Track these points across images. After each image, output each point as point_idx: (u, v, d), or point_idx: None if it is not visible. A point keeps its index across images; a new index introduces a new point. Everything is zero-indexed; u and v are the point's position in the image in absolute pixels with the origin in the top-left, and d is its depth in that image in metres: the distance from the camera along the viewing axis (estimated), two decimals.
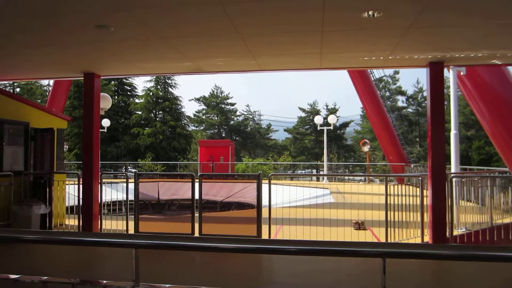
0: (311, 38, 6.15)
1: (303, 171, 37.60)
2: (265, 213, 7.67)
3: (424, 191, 7.79)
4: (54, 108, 17.74)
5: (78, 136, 33.18)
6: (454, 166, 10.02)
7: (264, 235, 7.57)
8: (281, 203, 11.44)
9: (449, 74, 10.51)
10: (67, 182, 9.96)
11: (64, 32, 5.90)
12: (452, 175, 8.15)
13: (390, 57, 7.20)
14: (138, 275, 2.07)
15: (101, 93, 9.64)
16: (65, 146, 20.57)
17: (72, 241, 2.24)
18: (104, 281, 2.23)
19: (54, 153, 9.46)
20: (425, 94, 39.40)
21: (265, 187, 7.71)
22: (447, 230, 7.42)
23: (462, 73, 11.10)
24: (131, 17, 5.21)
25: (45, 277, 2.25)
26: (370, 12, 4.94)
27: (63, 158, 11.05)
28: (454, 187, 7.87)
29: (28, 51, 7.06)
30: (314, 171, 38.74)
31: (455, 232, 7.85)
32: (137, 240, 2.09)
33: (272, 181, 7.90)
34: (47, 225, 8.71)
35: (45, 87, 41.25)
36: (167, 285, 2.17)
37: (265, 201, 7.80)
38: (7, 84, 36.09)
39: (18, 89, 38.70)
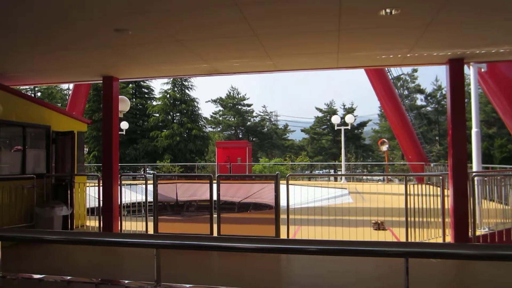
0: (327, 38, 6.11)
1: (321, 171, 37.41)
2: (283, 213, 7.65)
3: (445, 190, 7.67)
4: (74, 111, 18.03)
5: (97, 138, 33.63)
6: (475, 164, 9.84)
7: (283, 236, 7.56)
8: (299, 203, 11.41)
9: (470, 71, 10.32)
10: (87, 184, 10.10)
11: (83, 36, 5.99)
12: (474, 173, 8.00)
13: (408, 55, 7.11)
14: (160, 275, 2.08)
15: (119, 96, 9.75)
16: (85, 149, 20.88)
17: (95, 241, 2.27)
18: (126, 281, 2.24)
19: (74, 155, 9.60)
20: (444, 92, 38.91)
21: (282, 187, 7.69)
22: (470, 230, 7.29)
23: (482, 70, 10.91)
24: (148, 21, 5.26)
25: (69, 277, 2.28)
26: (388, 10, 4.89)
27: (83, 160, 11.21)
28: (476, 186, 7.73)
29: (49, 56, 7.19)
30: (332, 171, 38.52)
31: (478, 232, 7.70)
32: (158, 241, 2.11)
33: (290, 182, 7.88)
34: (69, 226, 8.84)
35: (65, 91, 41.95)
36: (188, 285, 2.18)
37: (283, 202, 7.78)
38: (28, 89, 36.82)
39: (39, 94, 39.42)
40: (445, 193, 7.61)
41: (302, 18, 5.27)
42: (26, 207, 8.35)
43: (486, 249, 1.69)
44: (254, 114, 49.97)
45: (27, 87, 35.01)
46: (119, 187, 8.89)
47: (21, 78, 9.42)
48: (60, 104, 37.92)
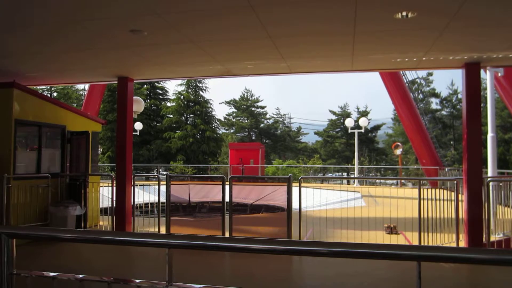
0: (342, 40, 6.09)
1: (334, 174, 37.25)
2: (295, 216, 7.64)
3: (459, 195, 7.58)
4: (89, 111, 18.22)
5: (111, 139, 33.93)
6: (491, 169, 9.71)
7: (294, 238, 7.54)
8: (311, 206, 11.37)
9: (486, 75, 10.19)
10: (101, 184, 10.19)
11: (99, 37, 6.05)
12: (489, 178, 7.89)
13: (424, 58, 7.05)
14: (172, 275, 2.09)
15: (134, 97, 9.82)
16: (99, 149, 21.05)
17: (108, 240, 2.28)
18: (137, 281, 2.26)
19: (89, 155, 9.70)
20: (460, 96, 38.51)
21: (295, 190, 7.67)
22: (484, 235, 7.19)
23: (499, 74, 10.77)
24: (164, 22, 5.30)
25: (81, 276, 2.30)
26: (404, 13, 4.86)
27: (97, 160, 11.32)
28: (491, 191, 7.62)
29: (65, 56, 7.29)
30: (345, 174, 38.33)
31: (492, 238, 7.59)
32: (170, 240, 2.12)
33: (302, 184, 7.86)
34: (82, 225, 8.93)
35: (81, 92, 42.44)
36: (199, 286, 2.18)
37: (295, 204, 7.76)
38: (45, 89, 37.33)
39: (55, 94, 39.93)
40: (459, 198, 7.52)
41: (317, 20, 5.26)
42: (40, 206, 8.46)
43: (499, 254, 1.66)
44: (268, 116, 50.12)
45: (43, 87, 35.51)
46: (132, 187, 8.95)
47: (38, 78, 9.56)
48: (75, 104, 38.33)
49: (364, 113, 44.25)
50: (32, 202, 8.26)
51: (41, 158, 8.68)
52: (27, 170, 8.43)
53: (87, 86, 25.48)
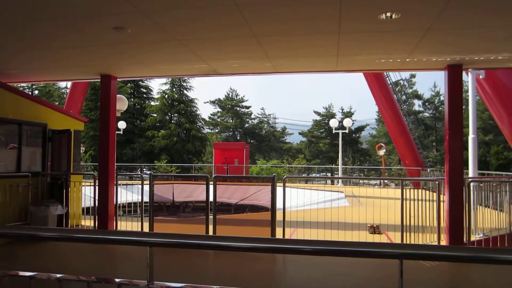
0: (327, 40, 6.11)
1: (318, 175, 37.41)
2: (279, 215, 7.64)
3: (441, 195, 7.67)
4: (71, 110, 17.96)
5: (94, 138, 33.51)
6: (471, 171, 9.85)
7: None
8: (295, 206, 11.39)
9: (468, 77, 10.35)
10: (83, 183, 10.04)
11: (81, 34, 5.95)
12: (470, 179, 8.01)
13: (407, 60, 7.12)
14: (153, 274, 2.07)
15: (117, 95, 9.71)
16: (81, 148, 20.78)
17: (88, 239, 2.24)
18: (118, 280, 2.23)
19: (71, 154, 9.55)
20: (442, 98, 39.08)
21: (279, 190, 7.68)
22: (465, 235, 7.30)
23: (481, 77, 10.95)
24: (147, 19, 5.24)
25: (60, 275, 2.26)
26: (388, 14, 4.89)
27: (79, 159, 11.16)
28: (471, 192, 7.74)
29: (47, 53, 7.16)
30: (329, 175, 38.52)
31: (473, 238, 7.71)
32: (151, 238, 2.09)
33: (287, 184, 7.87)
34: (64, 225, 8.79)
35: (63, 89, 41.86)
36: (181, 285, 2.16)
37: (279, 204, 7.76)
38: (26, 87, 36.71)
39: (36, 91, 39.30)
40: (441, 198, 7.62)
41: (301, 20, 5.27)
42: (20, 206, 8.29)
43: (480, 251, 1.68)
44: (253, 116, 50.19)
45: (24, 84, 34.91)
46: (115, 186, 8.85)
47: (18, 76, 9.38)
48: (57, 103, 37.78)
49: (348, 114, 44.59)
50: (12, 202, 8.09)
51: (21, 157, 8.51)
52: (6, 169, 8.26)
53: (69, 84, 25.13)
